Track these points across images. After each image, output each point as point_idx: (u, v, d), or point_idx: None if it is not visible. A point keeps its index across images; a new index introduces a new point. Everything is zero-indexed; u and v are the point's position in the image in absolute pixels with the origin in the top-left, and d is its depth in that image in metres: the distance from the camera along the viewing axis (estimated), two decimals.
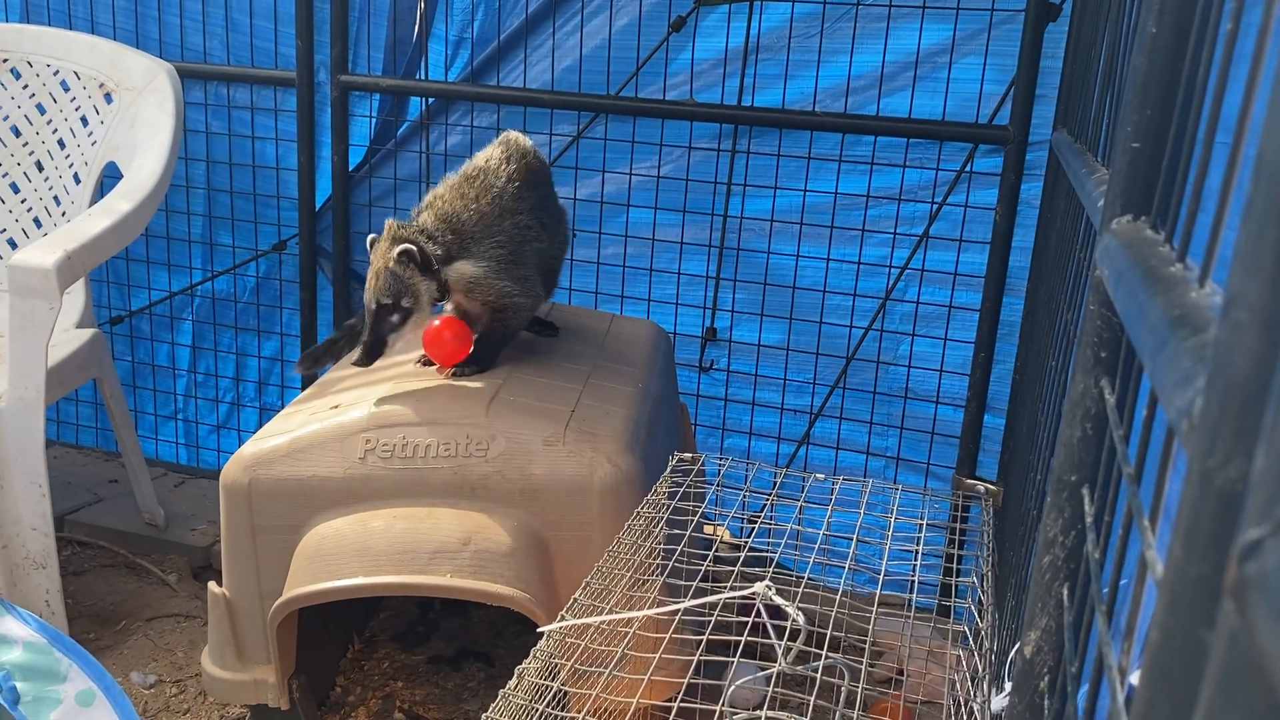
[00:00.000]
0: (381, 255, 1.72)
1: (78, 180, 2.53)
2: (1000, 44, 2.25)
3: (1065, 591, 0.63)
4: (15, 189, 2.61)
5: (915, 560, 1.46)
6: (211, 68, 2.76)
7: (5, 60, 2.59)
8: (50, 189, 2.58)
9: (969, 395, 2.36)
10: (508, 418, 1.69)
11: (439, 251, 1.75)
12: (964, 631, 1.33)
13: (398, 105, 2.70)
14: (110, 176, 2.46)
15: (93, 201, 2.47)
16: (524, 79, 2.57)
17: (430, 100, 2.65)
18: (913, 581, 1.43)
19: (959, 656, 1.23)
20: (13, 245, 2.59)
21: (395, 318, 1.72)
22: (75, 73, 2.55)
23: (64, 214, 2.53)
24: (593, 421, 1.72)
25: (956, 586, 1.53)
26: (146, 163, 2.34)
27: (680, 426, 2.30)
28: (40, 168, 2.60)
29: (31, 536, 2.06)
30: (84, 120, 2.54)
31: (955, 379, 2.41)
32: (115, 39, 2.67)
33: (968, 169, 2.33)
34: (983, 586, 1.37)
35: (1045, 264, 1.92)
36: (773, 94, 2.42)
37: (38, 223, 2.59)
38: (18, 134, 2.61)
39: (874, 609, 1.27)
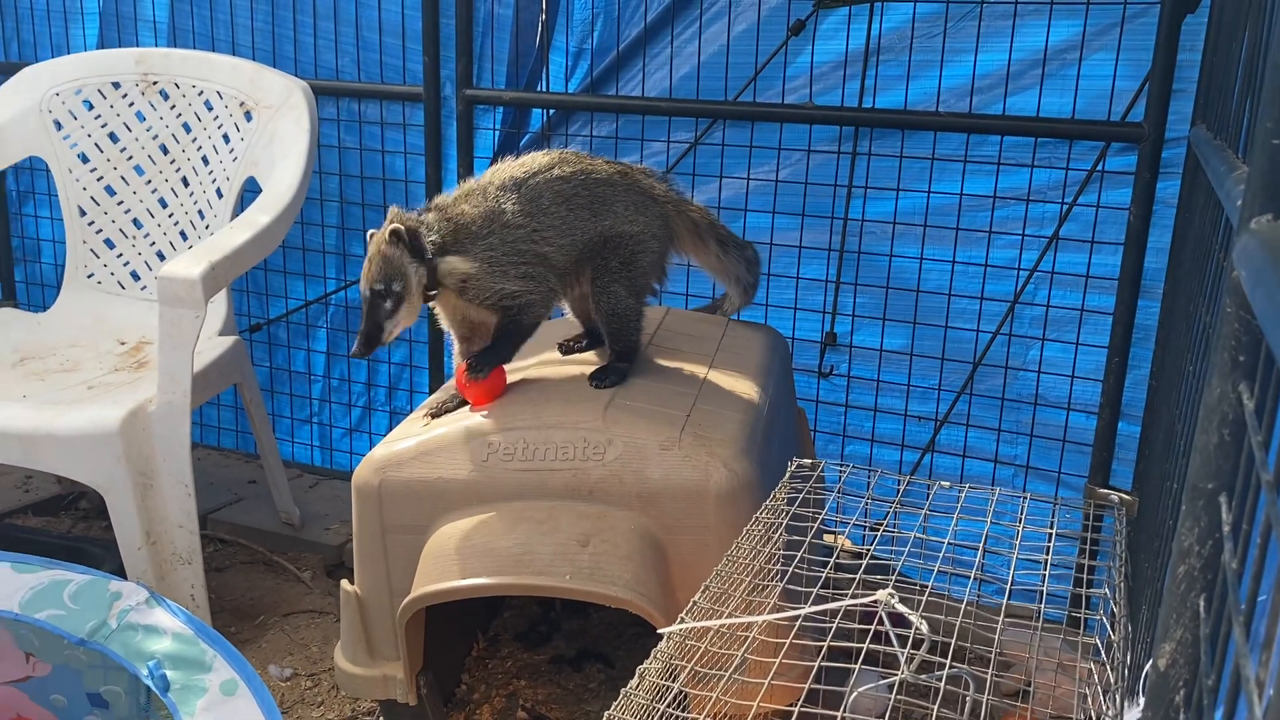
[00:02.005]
0: (375, 241, 1.76)
1: (220, 195, 2.66)
2: (1133, 38, 2.16)
3: (1201, 602, 0.61)
4: (163, 204, 2.77)
5: (1044, 570, 1.41)
6: (344, 84, 2.87)
7: (155, 82, 2.74)
8: (195, 203, 2.72)
9: (1102, 402, 2.28)
10: (624, 422, 1.71)
11: (434, 238, 1.76)
12: (1096, 644, 1.29)
13: (520, 117, 2.76)
14: (250, 190, 2.58)
15: (234, 215, 2.59)
16: (642, 88, 2.59)
17: (551, 111, 2.70)
18: (1042, 592, 1.39)
19: (1090, 669, 1.19)
20: (161, 257, 2.74)
21: (389, 304, 1.75)
22: (218, 92, 2.69)
23: (208, 227, 2.67)
24: (708, 426, 1.72)
25: (1088, 598, 1.48)
26: (284, 177, 2.44)
27: (799, 433, 2.28)
28: (186, 183, 2.75)
29: (178, 534, 2.17)
30: (226, 137, 2.67)
31: (1087, 385, 2.32)
32: (254, 59, 2.80)
33: (1099, 168, 2.25)
34: (1115, 598, 1.32)
35: (1182, 265, 1.84)
36: (894, 95, 2.38)
37: (184, 235, 2.73)
38: (165, 152, 2.76)
39: (1000, 619, 1.24)
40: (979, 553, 1.45)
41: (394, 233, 1.73)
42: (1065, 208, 2.29)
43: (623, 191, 1.90)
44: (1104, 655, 1.19)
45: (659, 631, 1.19)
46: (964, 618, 1.28)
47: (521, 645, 2.20)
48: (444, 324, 1.91)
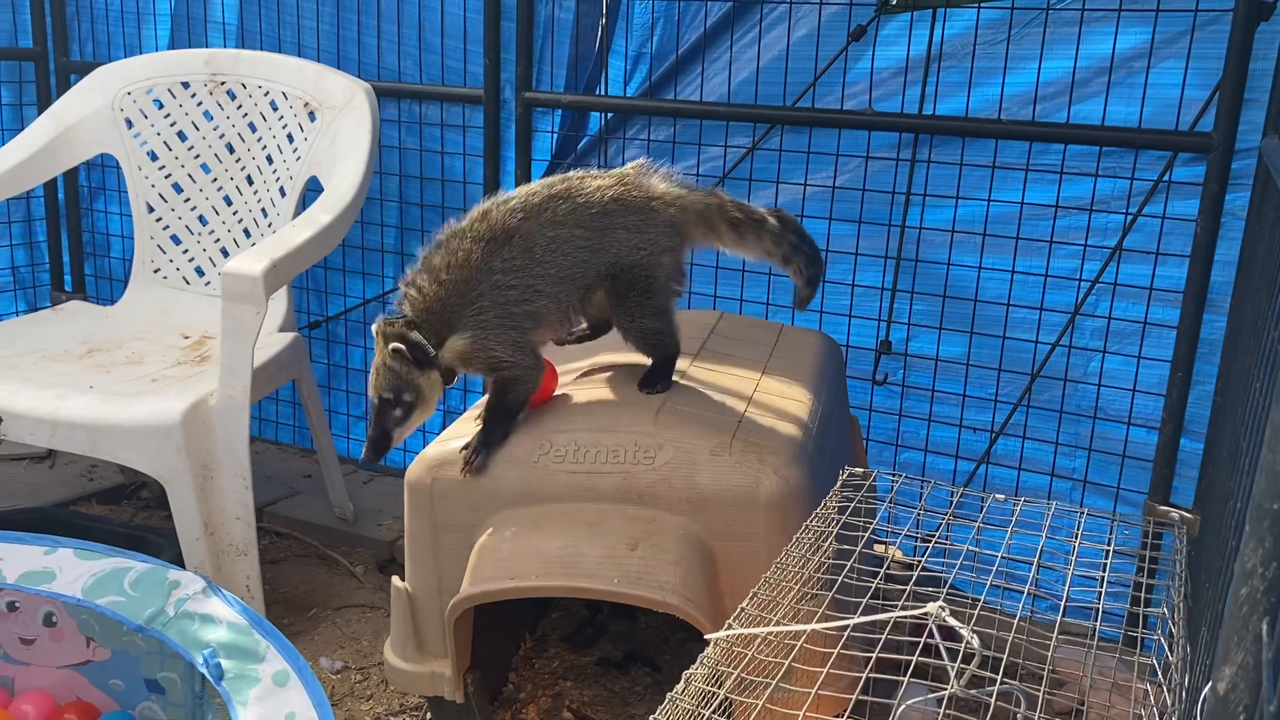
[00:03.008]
0: (379, 352, 1.72)
1: (283, 193, 2.71)
2: (1204, 46, 2.12)
3: (1264, 626, 0.59)
4: (228, 201, 2.82)
5: (1100, 588, 1.39)
6: (405, 86, 2.91)
7: (223, 83, 2.80)
8: (259, 201, 2.77)
9: (1165, 417, 2.23)
10: (675, 427, 1.70)
11: (430, 338, 1.71)
12: (1152, 665, 1.26)
13: (578, 120, 2.77)
14: (312, 190, 2.63)
15: (296, 213, 2.64)
16: (701, 92, 2.59)
17: (609, 115, 2.71)
18: (1098, 609, 1.36)
19: (1146, 691, 1.17)
20: (225, 254, 2.79)
21: (398, 412, 1.73)
22: (283, 93, 2.73)
23: (270, 225, 2.72)
24: (760, 433, 1.72)
25: (1145, 617, 1.45)
26: (345, 177, 2.48)
27: (851, 440, 2.26)
28: (250, 181, 2.80)
29: (235, 526, 2.21)
30: (290, 137, 2.72)
31: (1149, 399, 2.28)
32: (319, 61, 2.84)
33: (1166, 178, 2.20)
34: (1174, 618, 1.29)
35: (1251, 279, 1.80)
36: (955, 102, 2.36)
37: (247, 233, 2.78)
38: (231, 151, 2.82)
39: (1054, 636, 1.22)
40: (1033, 567, 1.43)
41: (395, 352, 1.69)
42: (1129, 218, 2.25)
43: (619, 216, 1.79)
44: (1161, 677, 1.17)
45: (706, 637, 1.19)
46: (1016, 633, 1.26)
47: (568, 646, 2.21)
48: None
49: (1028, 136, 2.27)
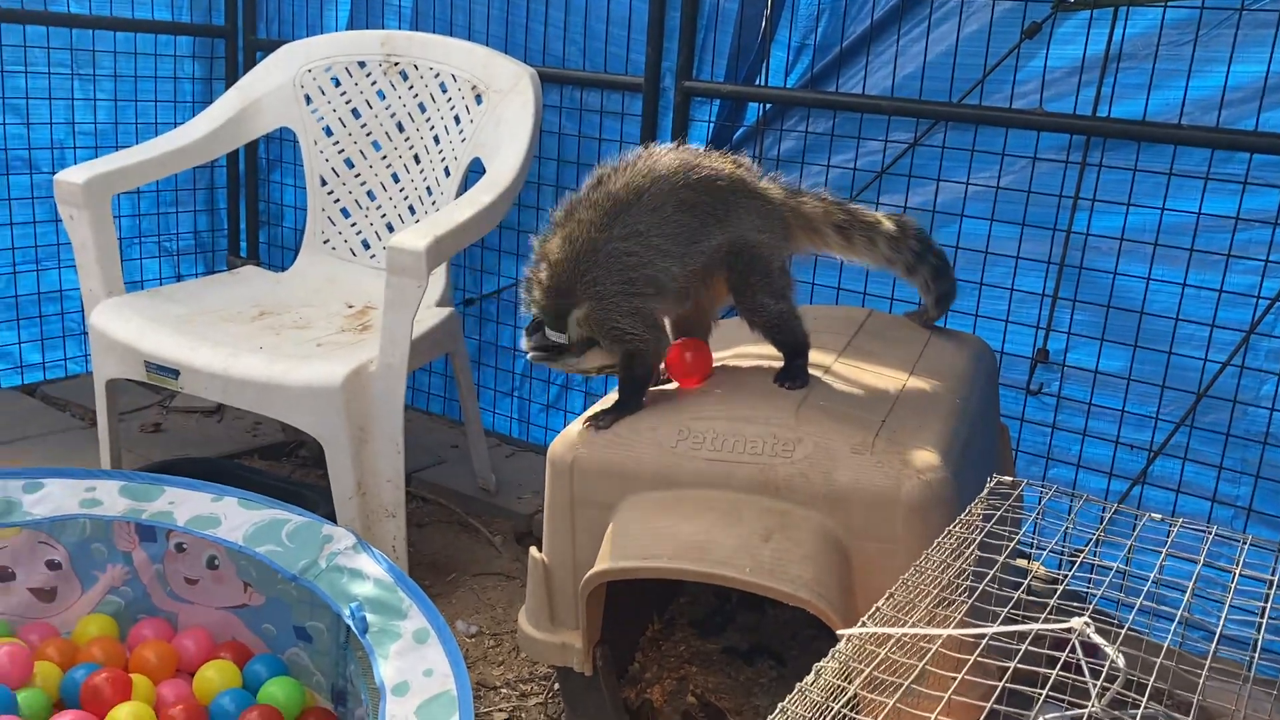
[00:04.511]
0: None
1: (448, 173, 2.80)
2: None
3: None
4: (395, 179, 2.94)
5: (1261, 619, 1.31)
6: (568, 72, 2.96)
7: (396, 64, 2.91)
8: (424, 180, 2.88)
9: None
10: (817, 421, 1.69)
11: (553, 321, 1.76)
12: None
13: (736, 110, 2.77)
14: (474, 171, 2.71)
15: (459, 193, 2.72)
16: (864, 85, 2.56)
17: (767, 106, 2.70)
18: (1256, 642, 1.29)
19: None
20: (390, 229, 2.91)
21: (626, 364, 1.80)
22: (453, 75, 2.82)
23: (434, 203, 2.82)
24: (904, 433, 1.69)
25: None
26: (507, 159, 2.55)
27: (1000, 450, 2.20)
28: (417, 160, 2.90)
29: (386, 488, 2.31)
30: (457, 119, 2.81)
31: None
32: (488, 45, 2.93)
33: None
34: None
35: None
36: (1132, 105, 2.26)
37: (412, 210, 2.89)
38: (401, 129, 2.93)
39: (1205, 667, 1.16)
40: (1186, 594, 1.36)
41: (534, 361, 1.79)
42: None
43: (743, 196, 1.78)
44: None
45: (839, 633, 1.18)
46: (1164, 658, 1.20)
47: (695, 632, 2.22)
48: None
49: (1210, 143, 2.16)
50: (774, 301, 1.80)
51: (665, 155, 1.78)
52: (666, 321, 1.86)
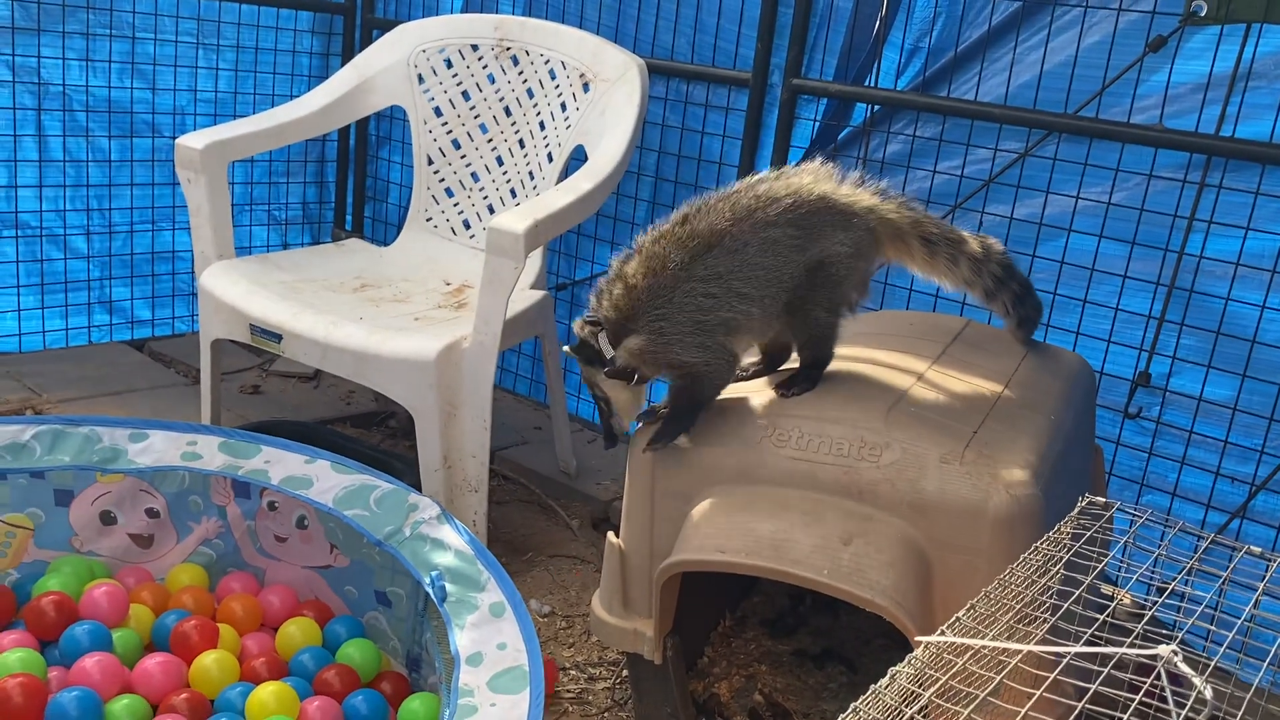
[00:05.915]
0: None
1: (550, 159, 2.83)
2: None
3: None
4: (500, 162, 2.98)
5: None
6: (675, 64, 2.97)
7: (508, 48, 2.95)
8: (528, 164, 2.91)
9: None
10: (906, 427, 1.67)
11: (609, 342, 1.71)
12: None
13: (842, 110, 2.75)
14: (575, 159, 2.73)
15: (560, 179, 2.75)
16: (976, 91, 2.51)
17: (875, 107, 2.67)
18: None
19: None
20: (491, 210, 2.95)
21: (604, 406, 1.79)
22: (562, 62, 2.85)
23: (535, 187, 2.85)
24: (995, 446, 1.66)
25: None
26: (610, 148, 2.57)
27: (1093, 471, 2.15)
28: (522, 144, 2.94)
29: (471, 463, 2.35)
30: (563, 105, 2.84)
31: None
32: (598, 34, 2.95)
33: None
34: None
35: None
36: (1258, 125, 2.17)
37: (513, 193, 2.93)
38: (509, 114, 2.97)
39: None
40: None
41: (574, 348, 1.74)
42: None
43: (828, 215, 1.74)
44: None
45: (917, 639, 1.17)
46: (1254, 695, 1.16)
47: (767, 632, 2.22)
48: None
49: None
50: (827, 314, 1.79)
51: (745, 195, 1.75)
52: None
